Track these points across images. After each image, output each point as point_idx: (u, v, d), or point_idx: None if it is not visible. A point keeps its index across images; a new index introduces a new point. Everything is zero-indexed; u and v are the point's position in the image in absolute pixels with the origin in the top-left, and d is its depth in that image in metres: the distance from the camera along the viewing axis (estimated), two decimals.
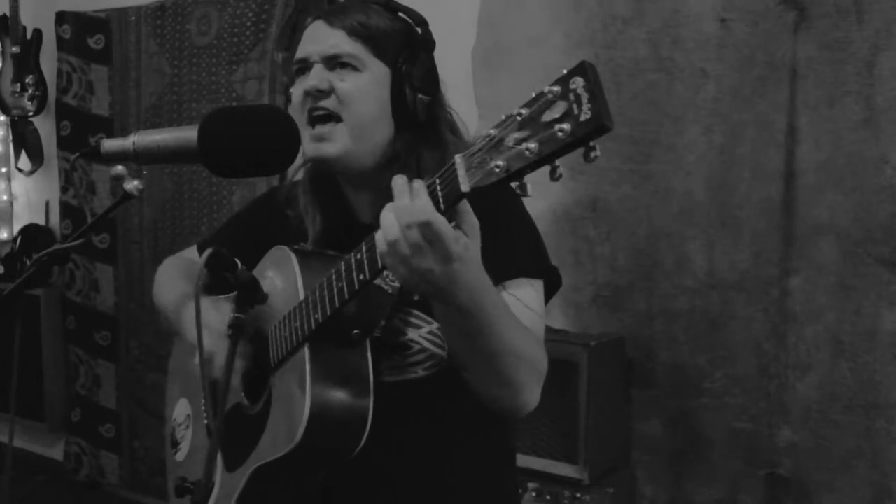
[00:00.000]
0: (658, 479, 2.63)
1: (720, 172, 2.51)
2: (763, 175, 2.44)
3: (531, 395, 1.25)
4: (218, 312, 1.36)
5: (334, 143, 1.33)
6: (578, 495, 2.40)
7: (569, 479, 2.42)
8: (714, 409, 2.54)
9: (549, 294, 1.37)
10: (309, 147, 1.34)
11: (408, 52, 1.35)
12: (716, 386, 2.53)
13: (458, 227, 1.04)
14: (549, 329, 2.60)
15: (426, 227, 1.01)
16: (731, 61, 2.48)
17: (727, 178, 2.50)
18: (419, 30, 1.37)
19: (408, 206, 1.02)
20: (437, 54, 1.40)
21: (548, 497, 2.43)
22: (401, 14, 1.38)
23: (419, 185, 1.03)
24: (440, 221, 1.01)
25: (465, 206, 1.05)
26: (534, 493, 2.44)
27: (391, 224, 1.03)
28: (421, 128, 1.35)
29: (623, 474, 2.60)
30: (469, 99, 2.89)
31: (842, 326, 2.35)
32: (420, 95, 1.34)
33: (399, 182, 1.05)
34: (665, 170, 2.59)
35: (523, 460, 2.42)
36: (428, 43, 1.37)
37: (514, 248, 1.30)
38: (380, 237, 1.05)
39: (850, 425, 2.35)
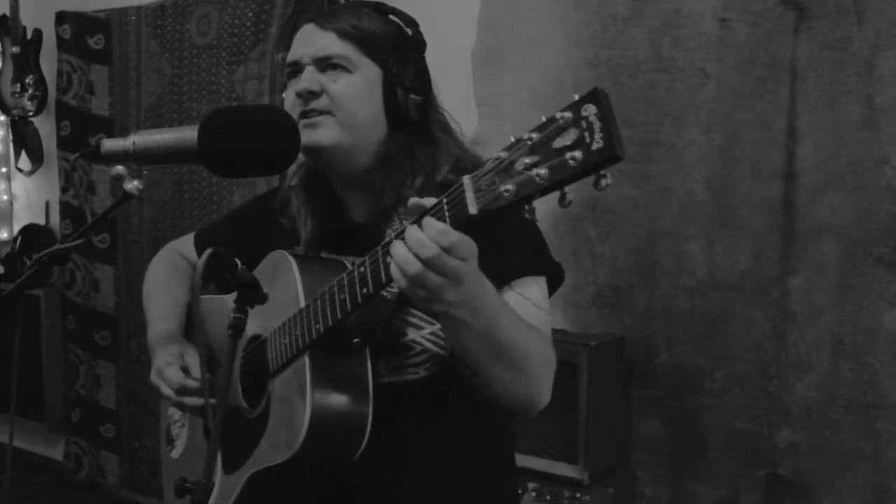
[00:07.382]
0: (658, 479, 2.63)
1: (720, 172, 2.51)
2: (763, 175, 2.44)
3: (544, 392, 1.28)
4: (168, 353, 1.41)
5: (326, 130, 1.33)
6: (578, 495, 2.40)
7: (569, 479, 2.42)
8: (714, 409, 2.53)
9: (552, 288, 1.38)
10: (302, 137, 1.32)
11: (399, 53, 1.35)
12: (716, 386, 2.53)
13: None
14: None
15: (458, 248, 1.01)
16: (731, 61, 2.48)
17: (727, 178, 2.50)
18: (410, 31, 1.38)
19: (423, 238, 1.02)
20: (437, 55, 1.40)
21: (548, 497, 2.43)
22: (391, 16, 1.39)
23: (428, 220, 1.03)
24: (467, 240, 1.02)
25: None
26: (534, 493, 2.44)
27: (406, 260, 1.03)
28: (413, 128, 1.35)
29: (623, 474, 2.60)
30: (469, 99, 2.89)
31: (842, 326, 2.35)
32: (412, 96, 1.34)
33: (413, 202, 1.06)
34: (665, 170, 2.59)
35: (523, 460, 2.42)
36: (419, 44, 1.38)
37: (517, 247, 1.30)
38: (396, 273, 1.05)
39: (850, 425, 2.35)
